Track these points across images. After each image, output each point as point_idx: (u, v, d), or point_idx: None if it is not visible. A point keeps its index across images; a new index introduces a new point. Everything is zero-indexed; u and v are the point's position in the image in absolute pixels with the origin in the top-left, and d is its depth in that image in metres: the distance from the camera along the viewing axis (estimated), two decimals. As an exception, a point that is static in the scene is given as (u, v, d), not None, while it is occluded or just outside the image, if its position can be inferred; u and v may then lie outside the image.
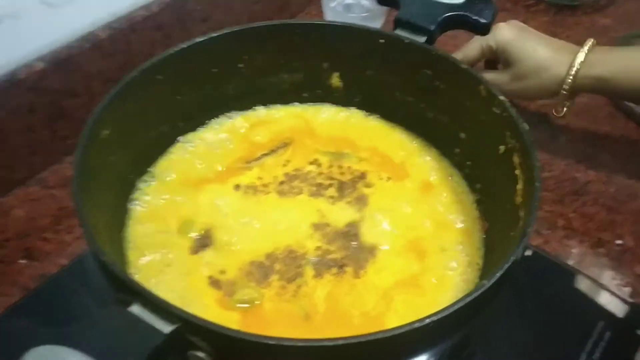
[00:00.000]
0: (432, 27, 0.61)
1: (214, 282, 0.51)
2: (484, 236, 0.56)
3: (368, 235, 0.56)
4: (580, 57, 0.73)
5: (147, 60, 0.56)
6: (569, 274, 0.68)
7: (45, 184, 0.75)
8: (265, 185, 0.59)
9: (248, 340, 0.37)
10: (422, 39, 0.61)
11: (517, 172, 0.52)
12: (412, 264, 0.54)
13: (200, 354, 0.38)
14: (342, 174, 0.61)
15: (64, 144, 0.77)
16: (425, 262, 0.54)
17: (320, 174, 0.61)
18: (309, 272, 0.52)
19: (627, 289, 0.68)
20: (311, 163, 0.62)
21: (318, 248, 0.54)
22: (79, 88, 0.75)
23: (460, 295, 0.51)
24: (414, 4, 0.62)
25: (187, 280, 0.51)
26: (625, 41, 0.99)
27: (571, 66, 0.73)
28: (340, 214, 0.58)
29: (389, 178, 0.61)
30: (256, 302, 0.50)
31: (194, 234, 0.55)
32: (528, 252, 0.67)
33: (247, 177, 0.60)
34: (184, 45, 0.58)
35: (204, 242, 0.54)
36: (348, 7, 0.95)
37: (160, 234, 0.54)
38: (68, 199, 0.72)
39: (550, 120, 0.87)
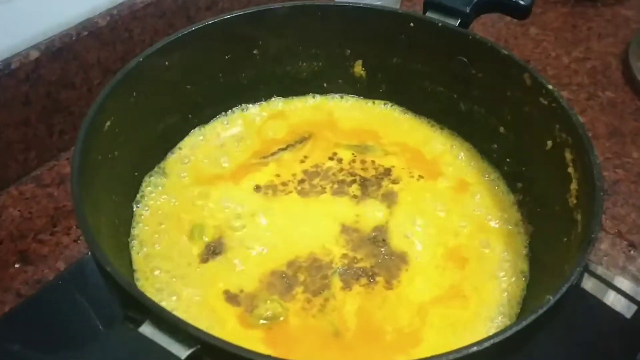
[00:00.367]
0: (467, 10, 0.56)
1: (231, 298, 0.46)
2: (529, 241, 0.51)
3: (398, 240, 0.51)
4: None
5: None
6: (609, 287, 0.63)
7: (40, 182, 0.71)
8: (284, 185, 0.55)
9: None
10: (455, 23, 0.56)
11: (570, 170, 0.47)
12: (449, 273, 0.49)
13: (222, 381, 0.33)
14: (364, 169, 0.57)
15: (61, 139, 0.73)
16: (465, 271, 0.49)
17: (341, 170, 0.57)
18: (336, 283, 0.47)
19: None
20: (331, 158, 0.58)
21: (344, 255, 0.50)
22: (76, 79, 0.71)
23: (505, 308, 0.46)
24: (445, -16, 0.57)
25: (202, 294, 0.46)
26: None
27: None
28: (367, 214, 0.53)
29: (420, 176, 0.56)
30: (280, 318, 0.44)
31: (206, 240, 0.50)
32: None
33: (264, 174, 0.56)
34: (194, 27, 0.54)
35: (217, 249, 0.49)
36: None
37: (170, 240, 0.49)
38: (65, 197, 0.69)
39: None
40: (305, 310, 0.46)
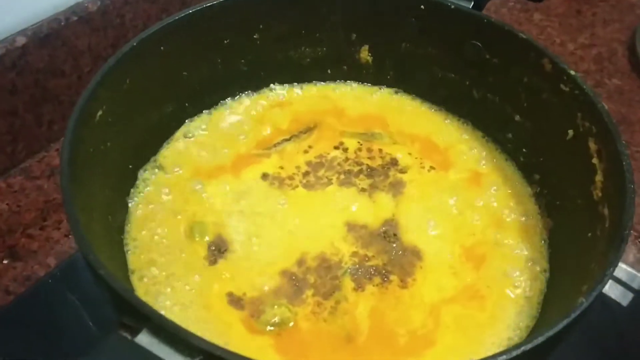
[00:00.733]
0: (482, -9, 0.53)
1: (234, 301, 0.43)
2: (547, 236, 0.49)
3: (410, 234, 0.49)
4: None
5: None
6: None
7: (29, 174, 0.69)
8: (291, 178, 0.52)
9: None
10: (468, 4, 0.54)
11: (595, 160, 0.44)
12: (464, 271, 0.47)
13: (227, 394, 0.30)
14: (371, 158, 0.54)
15: (50, 129, 0.71)
16: (481, 269, 0.47)
17: (347, 159, 0.54)
18: (348, 284, 0.45)
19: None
20: (336, 147, 0.55)
21: (354, 254, 0.47)
22: (65, 67, 0.68)
23: (524, 308, 0.44)
24: (458, -37, 0.55)
25: (203, 296, 0.43)
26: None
27: None
28: (376, 207, 0.51)
29: (431, 167, 0.54)
30: (290, 324, 0.42)
31: (206, 239, 0.47)
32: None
33: (266, 166, 0.53)
34: (191, 10, 0.51)
35: (218, 249, 0.46)
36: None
37: (166, 238, 0.46)
38: (56, 190, 0.66)
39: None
40: (316, 314, 0.43)
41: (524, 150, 0.54)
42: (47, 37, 0.64)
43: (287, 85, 0.59)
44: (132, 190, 0.50)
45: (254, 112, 0.57)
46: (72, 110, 0.43)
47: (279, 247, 0.46)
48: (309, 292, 0.44)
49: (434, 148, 0.55)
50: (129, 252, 0.45)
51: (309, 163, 0.53)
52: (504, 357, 0.30)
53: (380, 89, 0.60)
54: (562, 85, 0.47)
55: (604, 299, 0.56)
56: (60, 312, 0.53)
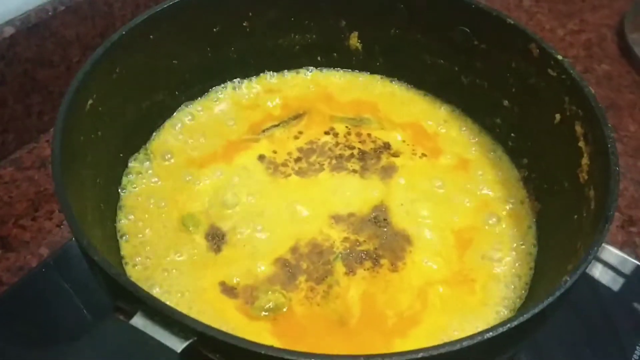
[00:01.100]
0: (470, -24, 0.53)
1: (227, 290, 0.43)
2: (535, 219, 0.49)
3: (400, 219, 0.49)
4: None
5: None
6: (616, 259, 0.62)
7: (20, 165, 0.68)
8: (284, 165, 0.52)
9: (281, 358, 0.30)
10: (457, -9, 0.53)
11: (581, 144, 0.45)
12: (454, 254, 0.47)
13: (221, 374, 0.31)
14: (362, 142, 0.55)
15: (40, 120, 0.70)
16: (470, 252, 0.47)
17: (337, 144, 0.54)
18: (340, 268, 0.45)
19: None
20: (327, 133, 0.55)
21: (345, 239, 0.47)
22: (54, 57, 0.68)
23: (511, 290, 0.44)
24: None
25: (196, 285, 0.43)
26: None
27: None
28: (367, 192, 0.51)
29: (423, 154, 0.54)
30: (284, 309, 0.42)
31: (199, 228, 0.47)
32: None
33: (255, 152, 0.53)
34: None
35: (212, 238, 0.47)
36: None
37: (159, 227, 0.46)
38: (46, 181, 0.66)
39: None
40: (309, 299, 0.44)
41: (512, 135, 0.54)
42: (35, 27, 0.64)
43: (277, 72, 0.59)
44: (123, 179, 0.49)
45: (244, 100, 0.57)
46: (62, 100, 0.42)
47: (272, 236, 0.47)
48: (302, 278, 0.44)
49: (424, 134, 0.56)
50: (122, 240, 0.45)
51: (300, 149, 0.54)
52: (490, 334, 0.30)
53: (370, 75, 0.60)
54: (549, 70, 0.48)
55: (594, 284, 0.57)
56: (55, 300, 0.53)
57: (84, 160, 0.43)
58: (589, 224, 0.40)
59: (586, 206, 0.42)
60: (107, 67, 0.46)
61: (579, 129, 0.45)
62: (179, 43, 0.53)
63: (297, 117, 0.56)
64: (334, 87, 0.59)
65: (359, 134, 0.55)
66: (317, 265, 0.45)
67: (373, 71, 0.61)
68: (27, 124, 0.69)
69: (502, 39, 0.51)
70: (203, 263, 0.45)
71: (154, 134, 0.53)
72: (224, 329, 0.30)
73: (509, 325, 0.31)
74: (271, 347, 0.30)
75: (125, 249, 0.45)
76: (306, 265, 0.45)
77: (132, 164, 0.51)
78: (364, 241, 0.47)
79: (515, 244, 0.48)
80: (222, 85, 0.58)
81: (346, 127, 0.55)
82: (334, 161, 0.53)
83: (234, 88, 0.58)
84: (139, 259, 0.44)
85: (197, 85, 0.57)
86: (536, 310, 0.32)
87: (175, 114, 0.55)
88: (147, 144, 0.52)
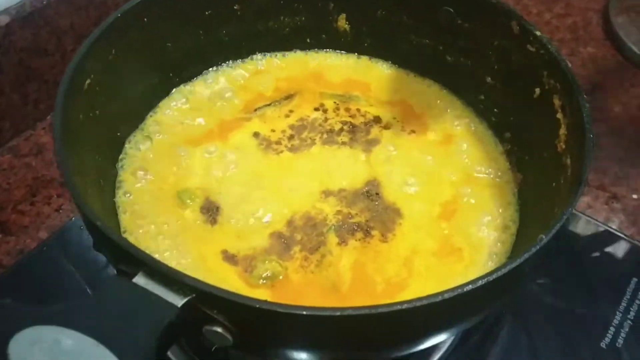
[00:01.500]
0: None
1: (229, 257, 0.45)
2: (517, 189, 0.51)
3: (391, 193, 0.51)
4: None
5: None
6: (595, 228, 0.64)
7: (17, 153, 0.70)
8: (277, 143, 0.54)
9: (276, 312, 0.32)
10: (441, -28, 0.55)
11: (559, 115, 0.47)
12: (441, 225, 0.49)
13: (219, 329, 0.33)
14: (352, 116, 0.56)
15: (36, 109, 0.72)
16: (456, 222, 0.49)
17: (326, 120, 0.56)
18: (332, 239, 0.47)
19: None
20: (316, 109, 0.57)
21: (338, 212, 0.49)
22: (49, 46, 0.69)
23: (496, 256, 0.46)
24: None
25: (197, 254, 0.45)
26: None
27: None
28: (358, 165, 0.53)
29: (412, 131, 0.56)
30: (280, 277, 0.44)
31: (195, 202, 0.49)
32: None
33: (249, 130, 0.54)
34: None
35: (208, 211, 0.48)
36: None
37: (156, 201, 0.48)
38: (44, 167, 0.68)
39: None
40: (304, 267, 0.45)
41: (495, 110, 0.56)
42: (30, 16, 0.65)
43: (268, 54, 0.61)
44: (120, 156, 0.51)
45: (237, 81, 0.58)
46: (59, 85, 0.43)
47: (267, 210, 0.48)
48: (297, 248, 0.46)
49: (411, 112, 0.57)
50: (121, 214, 0.47)
51: (292, 126, 0.55)
52: (470, 286, 0.32)
53: (358, 56, 0.62)
54: (528, 46, 0.49)
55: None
56: (56, 274, 0.55)
57: (84, 138, 0.44)
58: (566, 189, 0.42)
59: (563, 174, 0.44)
60: (104, 49, 0.47)
61: (557, 101, 0.47)
62: (172, 26, 0.54)
63: (288, 97, 0.57)
64: (323, 67, 0.61)
65: (348, 109, 0.57)
66: (310, 236, 0.47)
67: (361, 52, 0.62)
68: (23, 112, 0.70)
69: (485, 18, 0.53)
70: (200, 235, 0.46)
71: (150, 113, 0.55)
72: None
73: (487, 278, 0.33)
74: (265, 302, 0.32)
75: (124, 221, 0.46)
76: (300, 237, 0.47)
77: (128, 143, 0.52)
78: (356, 214, 0.49)
79: (498, 213, 0.50)
80: (215, 67, 0.59)
81: (335, 102, 0.57)
82: (325, 135, 0.55)
83: (227, 70, 0.59)
84: (140, 231, 0.46)
85: (191, 67, 0.58)
86: (514, 265, 0.34)
87: (169, 95, 0.56)
88: (143, 124, 0.54)
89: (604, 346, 0.56)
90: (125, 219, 0.46)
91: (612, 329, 0.57)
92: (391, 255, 0.47)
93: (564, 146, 0.46)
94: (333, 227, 0.48)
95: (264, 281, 0.44)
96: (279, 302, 0.35)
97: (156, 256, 0.44)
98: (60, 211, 0.65)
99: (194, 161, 0.51)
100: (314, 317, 0.32)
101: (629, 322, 0.57)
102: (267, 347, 0.36)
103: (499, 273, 0.33)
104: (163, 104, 0.56)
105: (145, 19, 0.51)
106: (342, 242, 0.47)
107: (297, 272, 0.45)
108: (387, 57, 0.62)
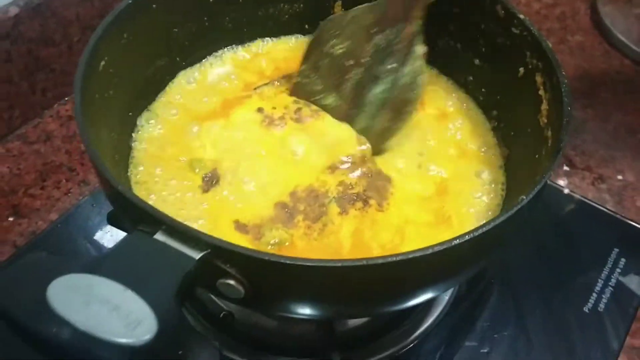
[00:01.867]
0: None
1: (240, 227, 0.48)
2: (504, 162, 0.55)
3: (386, 163, 0.54)
4: None
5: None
6: (580, 204, 0.68)
7: (26, 139, 0.72)
8: (281, 118, 0.56)
9: (283, 263, 0.35)
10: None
11: (541, 92, 0.50)
12: (433, 195, 0.53)
13: (231, 282, 0.36)
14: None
15: (45, 97, 0.74)
16: (447, 194, 0.53)
17: None
18: (334, 209, 0.50)
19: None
20: None
21: (340, 183, 0.52)
22: (56, 36, 0.71)
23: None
24: None
25: (210, 222, 0.48)
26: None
27: None
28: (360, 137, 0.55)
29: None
30: (286, 244, 0.47)
31: (206, 172, 0.51)
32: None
33: (250, 106, 0.57)
34: None
35: (213, 182, 0.51)
36: None
37: (170, 173, 0.51)
38: (52, 154, 0.70)
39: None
40: (307, 235, 0.48)
41: (483, 90, 0.59)
42: (38, 7, 0.67)
43: (268, 39, 0.63)
44: (133, 134, 0.54)
45: (239, 64, 0.61)
46: (65, 76, 0.45)
47: (271, 182, 0.51)
48: (300, 217, 0.49)
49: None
50: (135, 186, 0.50)
51: (296, 100, 0.57)
52: (457, 241, 0.36)
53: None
54: (513, 29, 0.53)
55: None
56: (72, 247, 0.57)
57: (100, 114, 0.47)
58: (547, 159, 0.45)
59: (545, 145, 0.47)
60: (116, 33, 0.50)
61: (539, 79, 0.50)
62: (178, 13, 0.56)
63: (286, 76, 0.60)
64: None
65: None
66: (313, 207, 0.50)
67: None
68: (31, 101, 0.72)
69: (472, 3, 0.56)
70: (211, 205, 0.49)
71: (159, 94, 0.57)
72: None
73: (467, 237, 0.36)
74: (273, 255, 0.35)
75: (139, 192, 0.49)
76: (303, 207, 0.50)
77: (139, 122, 0.55)
78: (356, 183, 0.52)
79: (487, 184, 0.53)
80: (219, 51, 0.62)
81: None
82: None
83: (230, 54, 0.62)
84: (152, 201, 0.49)
85: (196, 52, 0.60)
86: (497, 222, 0.37)
87: (176, 77, 0.59)
88: (153, 104, 0.57)
89: (586, 310, 0.59)
90: (139, 191, 0.49)
91: (594, 295, 0.60)
92: (385, 224, 0.50)
93: (545, 120, 0.49)
94: (334, 198, 0.51)
95: (272, 247, 0.47)
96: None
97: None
98: (70, 194, 0.67)
99: (201, 136, 0.54)
100: (317, 267, 0.35)
101: (610, 288, 0.61)
102: (275, 299, 0.39)
103: (485, 228, 0.37)
104: (171, 86, 0.58)
105: (154, 5, 0.54)
106: (343, 211, 0.50)
107: (302, 239, 0.48)
108: (381, 42, 0.64)
